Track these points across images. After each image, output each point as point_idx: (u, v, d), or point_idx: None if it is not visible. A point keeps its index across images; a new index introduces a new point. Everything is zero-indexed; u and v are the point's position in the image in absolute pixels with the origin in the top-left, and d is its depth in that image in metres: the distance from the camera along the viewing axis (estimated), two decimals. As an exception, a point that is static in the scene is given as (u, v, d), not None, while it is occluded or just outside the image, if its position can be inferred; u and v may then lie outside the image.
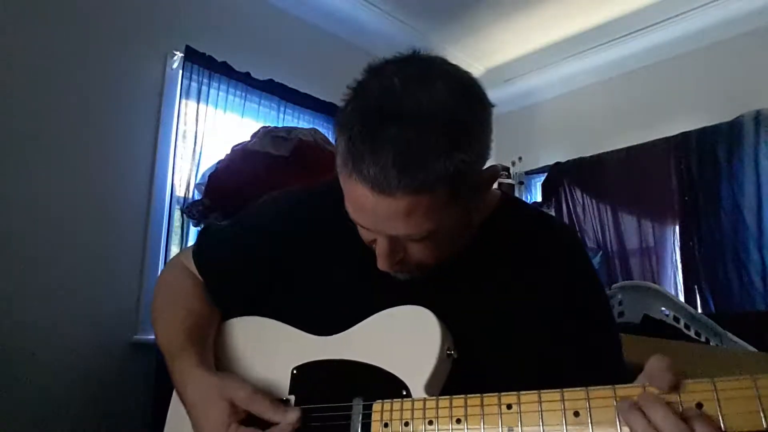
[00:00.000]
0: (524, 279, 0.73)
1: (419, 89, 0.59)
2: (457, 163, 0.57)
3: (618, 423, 0.49)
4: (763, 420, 0.43)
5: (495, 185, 0.74)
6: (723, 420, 0.45)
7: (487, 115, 0.63)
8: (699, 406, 0.47)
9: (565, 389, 0.53)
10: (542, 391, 0.54)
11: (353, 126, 0.59)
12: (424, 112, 0.57)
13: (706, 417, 0.46)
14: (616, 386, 0.50)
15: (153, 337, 2.32)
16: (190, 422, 0.72)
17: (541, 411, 0.53)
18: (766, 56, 2.88)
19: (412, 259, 0.66)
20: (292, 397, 0.73)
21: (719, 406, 0.45)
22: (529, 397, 0.54)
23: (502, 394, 0.56)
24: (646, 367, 0.50)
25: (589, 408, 0.51)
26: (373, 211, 0.59)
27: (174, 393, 0.83)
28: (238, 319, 0.85)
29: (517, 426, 0.54)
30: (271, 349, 0.79)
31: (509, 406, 0.55)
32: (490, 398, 0.56)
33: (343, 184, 0.63)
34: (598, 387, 0.51)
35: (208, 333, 0.82)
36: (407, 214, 0.58)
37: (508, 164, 3.72)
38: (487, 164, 0.65)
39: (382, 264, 0.66)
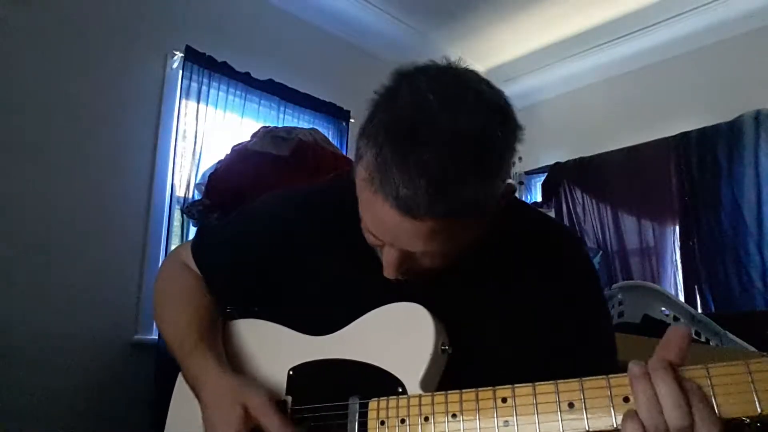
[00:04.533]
0: (523, 279, 0.73)
1: (455, 110, 0.56)
2: (486, 190, 0.57)
3: (612, 412, 0.49)
4: (757, 405, 0.43)
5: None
6: (717, 406, 0.45)
7: (517, 139, 0.61)
8: None
9: (559, 381, 0.53)
10: (537, 383, 0.54)
11: (383, 141, 0.56)
12: (460, 135, 0.55)
13: (705, 396, 0.46)
14: (610, 376, 0.51)
15: (153, 337, 2.31)
16: (202, 419, 0.72)
17: (536, 403, 0.53)
18: (766, 56, 2.88)
19: (419, 268, 0.66)
20: (289, 398, 0.73)
21: (713, 393, 0.46)
22: (523, 390, 0.55)
23: (497, 388, 0.56)
24: (664, 336, 0.50)
25: (584, 399, 0.51)
26: (395, 229, 0.58)
27: (175, 391, 0.84)
28: (235, 321, 0.86)
29: (513, 419, 0.54)
30: (267, 351, 0.80)
31: (504, 400, 0.55)
32: (485, 392, 0.57)
33: (364, 196, 0.61)
34: (592, 378, 0.51)
35: (217, 328, 0.83)
36: (430, 236, 0.58)
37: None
38: None
39: (388, 273, 0.65)
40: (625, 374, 0.50)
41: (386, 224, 0.59)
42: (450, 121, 0.55)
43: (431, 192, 0.54)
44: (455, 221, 0.57)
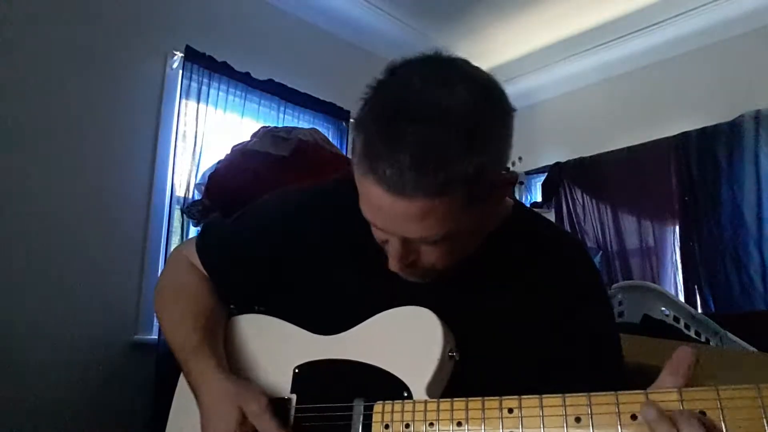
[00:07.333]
0: (530, 288, 0.73)
1: (439, 89, 0.57)
2: (475, 165, 0.56)
3: (620, 430, 0.49)
4: (767, 429, 0.42)
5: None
6: (726, 429, 0.44)
7: (507, 118, 0.62)
8: (702, 413, 0.46)
9: (566, 394, 0.52)
10: (544, 395, 0.54)
11: (370, 125, 0.58)
12: (443, 112, 0.55)
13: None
14: (618, 392, 0.50)
15: (153, 337, 2.31)
16: (200, 421, 0.72)
17: (543, 416, 0.53)
18: (766, 56, 2.88)
19: (424, 262, 0.66)
20: (294, 396, 0.73)
21: (722, 415, 0.45)
22: (530, 401, 0.54)
23: (504, 398, 0.56)
24: (672, 356, 0.49)
25: (591, 414, 0.50)
26: (389, 211, 0.58)
27: (177, 390, 0.84)
28: (242, 317, 0.86)
29: (519, 430, 0.54)
30: (273, 348, 0.79)
31: (510, 410, 0.55)
32: (492, 402, 0.56)
33: (358, 182, 0.62)
34: (600, 393, 0.51)
35: (220, 330, 0.83)
36: (422, 217, 0.57)
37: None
38: None
39: (393, 265, 0.65)
40: (634, 392, 0.49)
41: (380, 207, 0.59)
42: (433, 98, 0.56)
43: (415, 168, 0.54)
44: (446, 200, 0.56)
